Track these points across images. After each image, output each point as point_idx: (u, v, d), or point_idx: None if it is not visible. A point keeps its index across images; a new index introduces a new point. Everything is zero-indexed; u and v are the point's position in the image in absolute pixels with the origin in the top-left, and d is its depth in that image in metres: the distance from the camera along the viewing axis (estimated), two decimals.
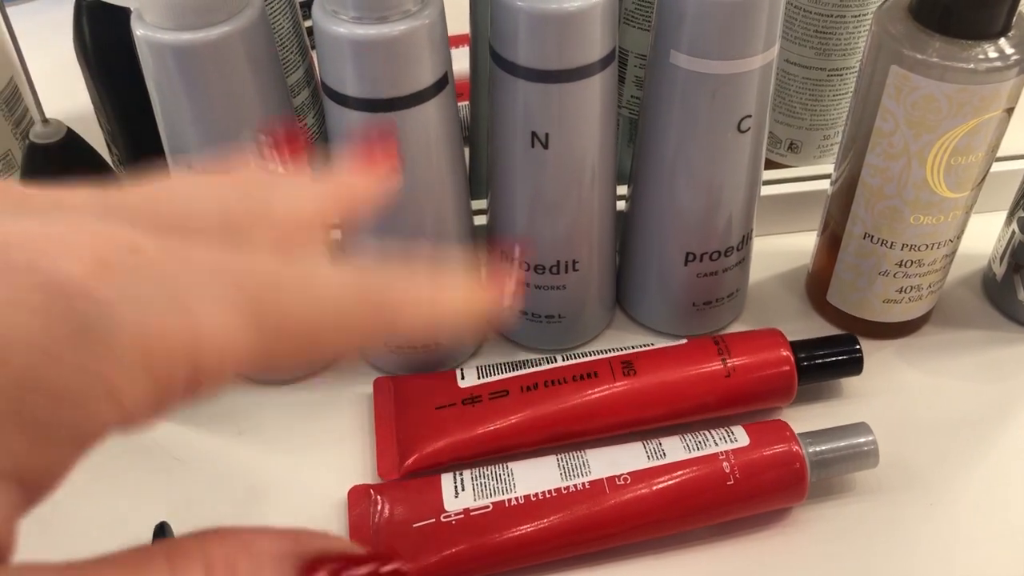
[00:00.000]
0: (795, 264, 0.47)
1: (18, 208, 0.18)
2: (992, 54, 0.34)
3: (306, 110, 0.42)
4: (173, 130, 0.34)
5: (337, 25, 0.31)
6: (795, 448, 0.35)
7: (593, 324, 0.43)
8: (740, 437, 0.36)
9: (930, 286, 0.41)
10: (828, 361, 0.39)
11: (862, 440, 0.36)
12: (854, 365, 0.39)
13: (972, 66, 0.34)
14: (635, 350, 0.39)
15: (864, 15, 0.43)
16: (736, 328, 0.44)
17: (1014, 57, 0.34)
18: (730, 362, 0.38)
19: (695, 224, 0.39)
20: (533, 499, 0.34)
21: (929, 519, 0.37)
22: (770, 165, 0.50)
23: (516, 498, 0.34)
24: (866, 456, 0.36)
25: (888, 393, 0.41)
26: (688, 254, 0.40)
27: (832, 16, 0.43)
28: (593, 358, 0.38)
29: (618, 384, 0.37)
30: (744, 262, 0.42)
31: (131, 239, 0.16)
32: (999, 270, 0.44)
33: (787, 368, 0.38)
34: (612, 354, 0.39)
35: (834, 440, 0.36)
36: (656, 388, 0.38)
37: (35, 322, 0.15)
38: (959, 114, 0.35)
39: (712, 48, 0.34)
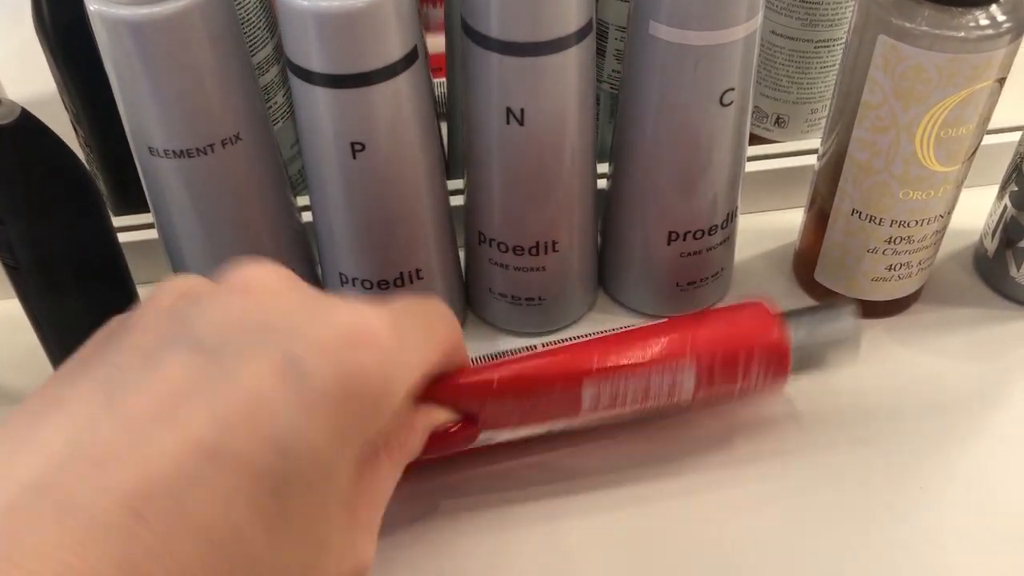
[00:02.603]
0: (782, 242, 0.45)
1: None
2: (983, 21, 0.33)
3: (275, 88, 0.41)
4: (133, 109, 0.32)
5: None
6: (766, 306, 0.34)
7: (575, 306, 0.42)
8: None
9: (920, 263, 0.40)
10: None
11: (843, 323, 0.35)
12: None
13: (963, 34, 0.33)
14: (616, 331, 0.37)
15: None
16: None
17: (1006, 24, 0.33)
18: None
19: (677, 202, 0.38)
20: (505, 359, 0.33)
21: (919, 502, 0.36)
22: (756, 140, 0.49)
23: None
24: (848, 340, 0.35)
25: (878, 372, 0.40)
26: (671, 233, 0.39)
27: None
28: (572, 342, 0.37)
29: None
30: (729, 241, 0.41)
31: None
32: (991, 246, 0.43)
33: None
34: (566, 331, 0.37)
35: (815, 319, 0.35)
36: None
37: None
38: (949, 84, 0.34)
39: (692, 18, 0.32)
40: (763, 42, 0.45)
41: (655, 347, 0.33)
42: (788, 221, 0.45)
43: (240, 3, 0.37)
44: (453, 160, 0.45)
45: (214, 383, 0.22)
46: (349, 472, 0.25)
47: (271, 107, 0.41)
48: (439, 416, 0.31)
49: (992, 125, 0.45)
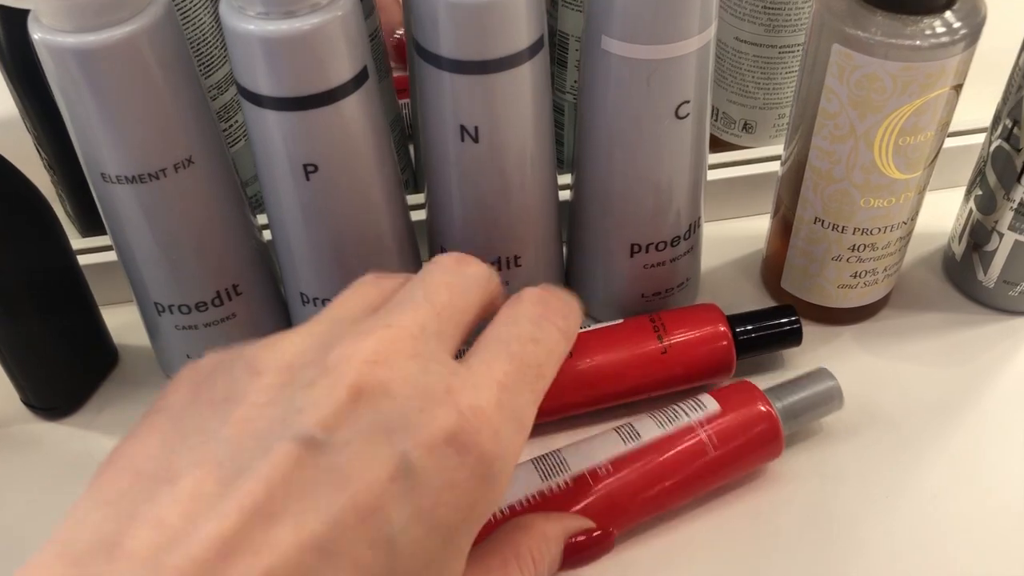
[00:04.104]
0: (750, 249, 0.45)
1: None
2: (938, 29, 0.33)
3: (234, 108, 0.40)
4: (83, 136, 0.32)
5: (244, 21, 0.29)
6: (765, 407, 0.35)
7: None
8: (710, 404, 0.35)
9: (886, 269, 0.40)
10: (765, 333, 0.39)
11: (825, 384, 0.36)
12: (793, 336, 0.39)
13: (917, 42, 0.33)
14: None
15: None
16: None
17: (961, 31, 0.33)
18: (666, 340, 0.37)
19: (638, 215, 0.38)
20: (518, 507, 0.33)
21: (892, 508, 0.36)
22: (725, 146, 0.49)
23: (500, 511, 0.33)
24: (832, 399, 0.36)
25: (847, 380, 0.40)
26: (633, 245, 0.39)
27: None
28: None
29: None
30: (693, 251, 0.41)
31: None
32: (958, 249, 0.43)
33: (724, 342, 0.37)
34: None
35: (799, 390, 0.36)
36: (593, 370, 0.37)
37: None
38: (905, 93, 0.33)
39: (644, 32, 0.32)
40: (728, 48, 0.45)
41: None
42: (756, 227, 0.45)
43: (194, 24, 0.37)
44: (421, 173, 0.45)
45: (327, 479, 0.23)
46: (459, 564, 0.25)
47: (230, 127, 0.41)
48: (573, 524, 0.32)
49: (957, 127, 0.45)
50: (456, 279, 0.28)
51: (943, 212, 0.44)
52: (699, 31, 0.33)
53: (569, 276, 0.42)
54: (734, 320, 0.38)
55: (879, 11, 0.33)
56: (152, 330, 0.39)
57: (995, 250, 0.40)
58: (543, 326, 0.27)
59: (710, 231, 0.44)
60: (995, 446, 0.38)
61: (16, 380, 0.40)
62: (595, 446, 0.35)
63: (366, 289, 0.28)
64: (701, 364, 0.37)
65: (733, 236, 0.46)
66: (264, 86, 0.31)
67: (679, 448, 0.34)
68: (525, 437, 0.26)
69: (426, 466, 0.23)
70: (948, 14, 0.33)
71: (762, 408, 0.35)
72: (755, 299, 0.43)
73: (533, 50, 0.32)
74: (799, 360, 0.40)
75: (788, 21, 0.43)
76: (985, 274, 0.41)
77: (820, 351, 0.41)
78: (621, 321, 0.38)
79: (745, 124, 0.47)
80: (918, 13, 0.33)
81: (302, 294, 0.37)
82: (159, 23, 0.30)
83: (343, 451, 0.23)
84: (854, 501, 0.36)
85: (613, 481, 0.34)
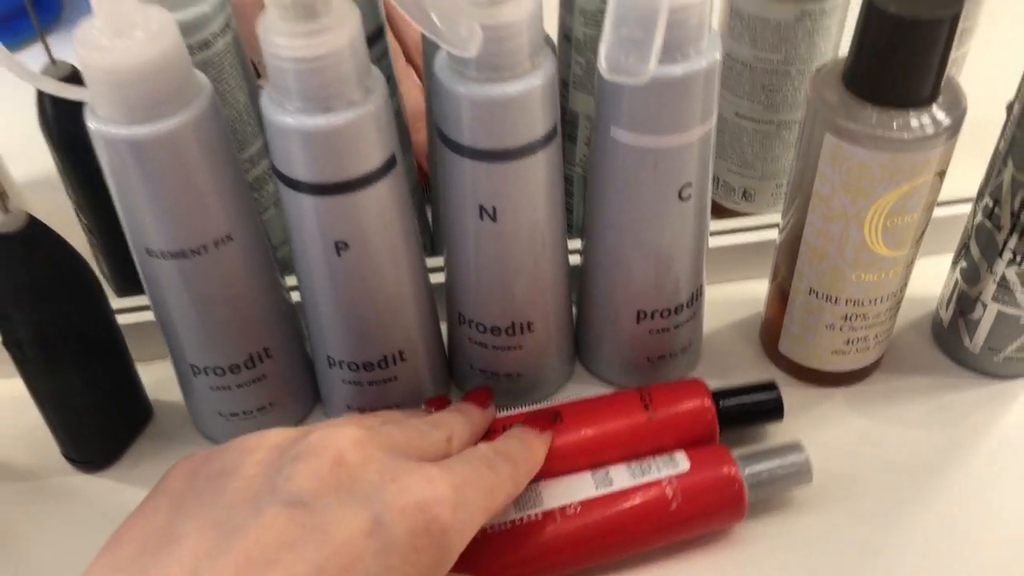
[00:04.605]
0: (750, 311, 0.48)
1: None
2: (925, 121, 0.35)
3: (266, 179, 0.43)
4: (130, 215, 0.35)
5: (283, 115, 0.32)
6: (732, 471, 0.38)
7: (552, 380, 0.44)
8: (681, 463, 0.38)
9: (876, 336, 0.42)
10: (748, 408, 0.41)
11: (796, 458, 0.39)
12: (774, 412, 0.41)
13: (904, 135, 0.35)
14: (561, 402, 0.40)
15: (807, 70, 0.44)
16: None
17: (944, 123, 0.35)
18: (653, 411, 0.39)
19: (644, 285, 0.40)
20: (489, 531, 0.36)
21: (874, 567, 0.38)
22: (726, 213, 0.51)
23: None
24: (800, 474, 0.39)
25: (835, 441, 0.42)
26: (639, 312, 0.41)
27: (777, 72, 0.45)
28: (526, 409, 0.40)
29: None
30: (696, 317, 0.43)
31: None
32: (946, 316, 0.45)
33: (708, 416, 0.39)
34: (540, 405, 0.40)
35: (769, 460, 0.39)
36: (583, 439, 0.39)
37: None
38: (892, 180, 0.36)
39: (651, 124, 0.35)
40: (729, 123, 0.48)
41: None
42: (756, 291, 0.47)
43: (231, 104, 0.40)
44: (438, 237, 0.48)
45: (312, 535, 0.27)
46: None
47: (262, 196, 0.43)
48: None
49: (946, 197, 0.47)
50: (455, 428, 0.35)
51: (933, 278, 0.47)
52: (701, 122, 0.35)
53: (579, 338, 0.45)
54: (718, 395, 0.40)
55: (869, 105, 0.35)
56: (186, 389, 0.42)
57: (980, 319, 0.43)
58: (498, 465, 0.33)
59: (713, 294, 0.47)
60: (979, 506, 0.40)
61: (56, 433, 0.42)
62: (570, 486, 0.38)
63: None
64: (685, 435, 0.39)
65: (735, 299, 0.48)
66: (301, 173, 0.33)
67: (643, 499, 0.37)
68: (474, 531, 0.30)
69: (397, 527, 0.28)
70: (933, 107, 0.36)
71: (729, 472, 0.37)
72: (754, 361, 0.46)
73: (547, 139, 0.35)
74: (791, 423, 0.42)
75: (784, 100, 0.45)
76: (971, 340, 0.44)
77: (813, 412, 0.43)
78: (612, 392, 0.41)
79: (745, 192, 0.50)
80: (905, 107, 0.35)
81: (328, 356, 0.40)
82: (204, 114, 0.33)
83: (325, 512, 0.28)
84: (844, 557, 0.38)
85: (579, 520, 0.37)
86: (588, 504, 0.37)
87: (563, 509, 0.37)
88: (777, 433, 0.42)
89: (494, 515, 0.32)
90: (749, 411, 0.41)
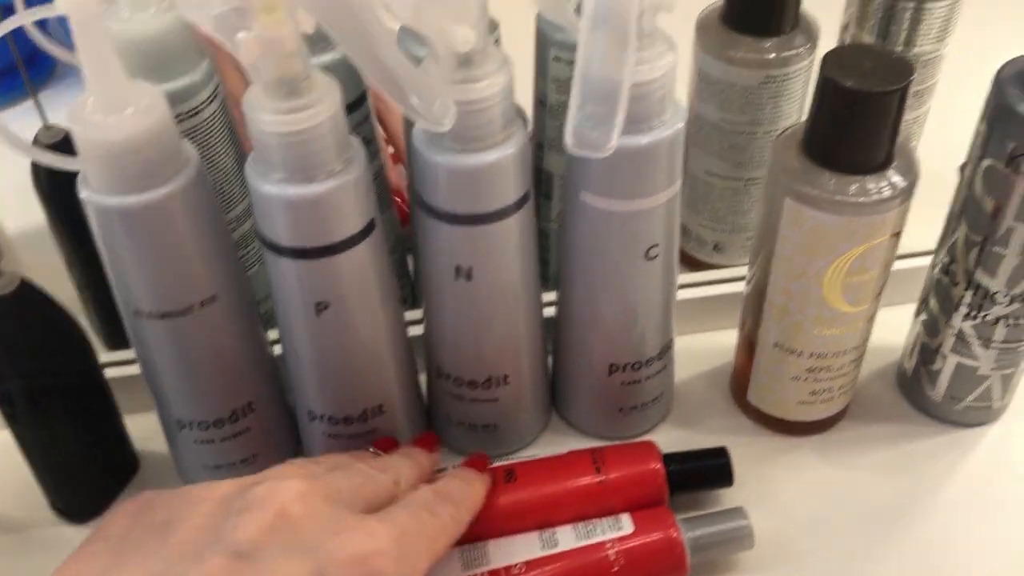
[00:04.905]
0: (722, 361, 0.49)
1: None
2: (879, 185, 0.37)
3: (251, 238, 0.45)
4: (120, 278, 0.36)
5: (267, 184, 0.34)
6: (675, 534, 0.39)
7: (528, 430, 0.45)
8: (626, 525, 0.39)
9: (841, 387, 0.44)
10: (698, 474, 0.42)
11: (738, 523, 0.40)
12: (724, 477, 0.42)
13: (860, 199, 0.37)
14: (517, 460, 0.42)
15: (772, 130, 0.46)
16: (664, 428, 0.46)
17: (898, 188, 0.37)
18: (604, 473, 0.40)
19: (614, 339, 0.42)
20: None
21: None
22: (699, 265, 0.53)
23: None
24: (742, 539, 0.40)
25: (802, 489, 0.44)
26: (611, 365, 0.43)
27: (744, 133, 0.47)
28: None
29: (499, 491, 0.40)
30: (666, 369, 0.45)
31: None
32: (909, 365, 0.47)
33: (658, 480, 0.41)
34: (499, 462, 0.41)
35: (712, 524, 0.40)
36: (534, 498, 0.40)
37: None
38: (849, 240, 0.38)
39: (618, 189, 0.37)
40: (700, 180, 0.50)
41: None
42: (727, 341, 0.49)
43: (218, 168, 0.41)
44: (419, 291, 0.49)
45: None
46: None
47: (248, 253, 0.45)
48: None
49: (907, 250, 0.49)
50: (402, 472, 0.36)
51: (898, 327, 0.48)
52: (666, 187, 0.37)
53: (555, 388, 0.46)
54: (669, 459, 0.41)
55: (827, 171, 0.37)
56: (172, 441, 0.43)
57: (940, 369, 0.44)
58: (439, 509, 0.34)
59: (686, 344, 0.49)
60: (940, 552, 0.41)
61: (44, 485, 0.43)
62: (517, 546, 0.39)
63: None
64: (635, 498, 0.40)
65: (707, 349, 0.50)
66: (283, 238, 0.35)
67: (586, 561, 0.38)
68: (417, 572, 0.31)
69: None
70: (888, 171, 0.37)
71: (672, 536, 0.39)
72: (724, 411, 0.47)
73: (520, 203, 0.37)
74: (754, 478, 0.43)
75: (752, 159, 0.47)
76: (933, 390, 0.45)
77: (780, 461, 0.45)
78: (567, 452, 0.42)
79: (716, 245, 0.52)
80: (861, 172, 0.37)
81: (309, 411, 0.41)
82: (191, 184, 0.35)
83: (268, 564, 0.29)
84: None
85: None
86: (533, 564, 0.38)
87: (508, 568, 0.38)
88: (737, 490, 0.42)
89: (438, 559, 0.33)
90: (698, 477, 0.42)
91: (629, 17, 0.31)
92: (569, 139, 0.32)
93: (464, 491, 0.37)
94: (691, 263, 0.53)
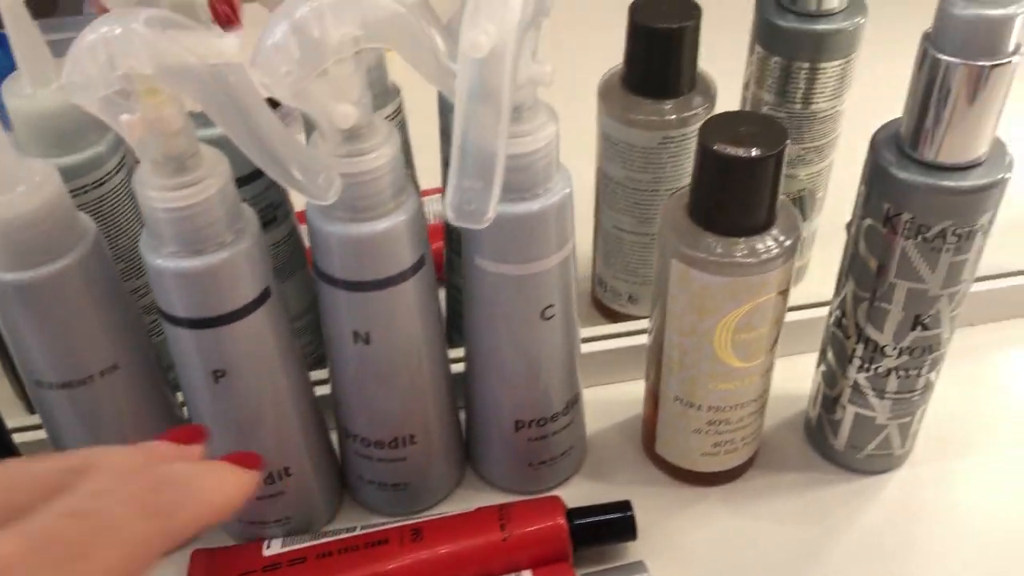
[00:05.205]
0: (634, 412, 0.50)
1: None
2: (760, 246, 0.38)
3: None
4: (19, 348, 0.37)
5: (158, 258, 0.34)
6: None
7: (440, 487, 0.46)
8: None
9: (744, 439, 0.45)
10: (601, 528, 0.43)
11: None
12: (628, 531, 0.43)
13: (743, 260, 0.38)
14: (425, 518, 0.42)
15: (674, 187, 0.48)
16: (576, 481, 0.47)
17: (777, 249, 0.38)
18: (508, 531, 0.41)
19: (518, 396, 0.43)
20: None
21: None
22: (615, 315, 0.54)
23: None
24: None
25: (707, 540, 0.44)
26: (517, 421, 0.44)
27: (647, 191, 0.48)
28: (386, 526, 0.42)
29: (406, 551, 0.41)
30: (574, 422, 0.46)
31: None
32: (813, 414, 0.48)
33: (562, 536, 0.41)
34: (404, 521, 0.42)
35: None
36: (440, 557, 0.41)
37: None
38: (735, 299, 0.39)
39: (510, 254, 0.38)
40: (611, 235, 0.51)
41: None
42: (638, 392, 0.50)
43: (127, 235, 0.42)
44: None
45: None
46: None
47: (156, 321, 0.45)
48: None
49: (805, 300, 0.51)
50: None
51: (803, 376, 0.50)
52: (557, 250, 0.38)
53: (468, 444, 0.47)
54: (573, 514, 0.42)
55: (709, 233, 0.39)
56: None
57: (841, 419, 0.46)
58: (103, 499, 0.23)
59: (599, 395, 0.50)
60: None
61: None
62: None
63: None
64: (539, 554, 0.41)
65: (618, 400, 0.51)
66: (178, 309, 0.36)
67: None
68: None
69: None
70: (770, 232, 0.39)
71: None
72: (635, 462, 0.48)
73: (415, 268, 0.38)
74: (659, 530, 0.44)
75: (655, 215, 0.49)
76: (836, 438, 0.47)
77: (687, 512, 0.45)
78: (473, 510, 0.43)
79: (630, 296, 0.53)
80: (743, 235, 0.38)
81: None
82: (87, 256, 0.35)
83: None
84: None
85: None
86: None
87: None
88: (641, 543, 0.43)
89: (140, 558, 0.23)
90: (602, 531, 0.43)
91: (502, 92, 0.32)
92: (448, 212, 0.33)
93: (191, 478, 0.25)
94: (608, 313, 0.54)
